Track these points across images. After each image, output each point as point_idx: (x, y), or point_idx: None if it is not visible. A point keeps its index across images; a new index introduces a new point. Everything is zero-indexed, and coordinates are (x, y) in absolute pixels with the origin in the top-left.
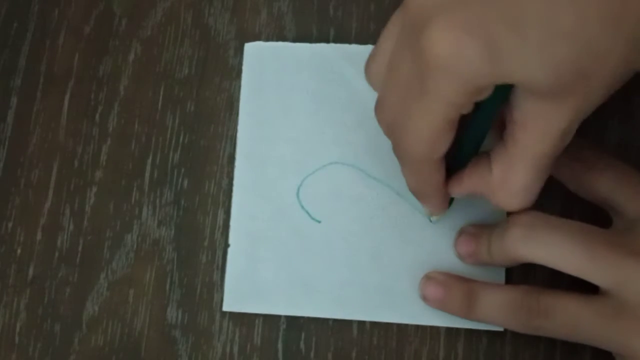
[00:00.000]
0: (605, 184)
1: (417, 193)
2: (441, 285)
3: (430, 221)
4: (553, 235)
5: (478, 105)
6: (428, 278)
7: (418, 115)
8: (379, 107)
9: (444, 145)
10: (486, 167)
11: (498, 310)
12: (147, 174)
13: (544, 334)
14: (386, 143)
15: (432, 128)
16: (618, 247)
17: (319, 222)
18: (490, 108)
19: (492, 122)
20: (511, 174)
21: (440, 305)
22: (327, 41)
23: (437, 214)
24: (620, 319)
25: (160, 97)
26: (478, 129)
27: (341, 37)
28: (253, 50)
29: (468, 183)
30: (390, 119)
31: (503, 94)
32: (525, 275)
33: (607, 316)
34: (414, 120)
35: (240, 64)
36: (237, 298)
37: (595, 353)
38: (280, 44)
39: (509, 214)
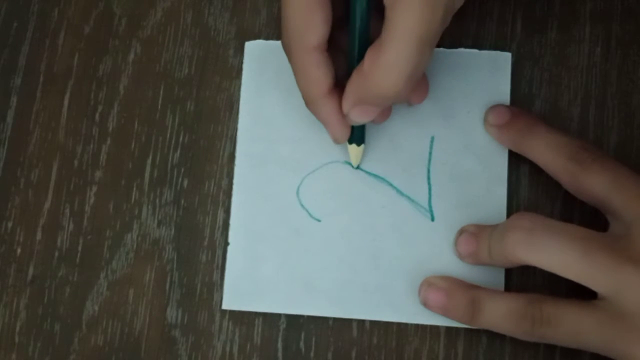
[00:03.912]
0: (602, 186)
1: (307, 97)
2: (443, 291)
3: (353, 167)
4: (552, 240)
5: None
6: (429, 284)
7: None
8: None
9: (316, 27)
10: (361, 64)
11: (502, 319)
12: (147, 174)
13: (547, 342)
14: (387, 142)
15: (300, 6)
16: (616, 253)
17: (319, 221)
18: None
19: (367, 16)
20: (381, 53)
21: (442, 311)
22: None
23: (338, 136)
24: (619, 327)
25: (160, 97)
26: (356, 25)
27: None
28: (254, 49)
29: (349, 87)
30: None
31: None
32: (525, 277)
33: (606, 324)
34: (286, 7)
35: (240, 63)
36: (236, 296)
37: (594, 354)
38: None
39: (508, 215)
